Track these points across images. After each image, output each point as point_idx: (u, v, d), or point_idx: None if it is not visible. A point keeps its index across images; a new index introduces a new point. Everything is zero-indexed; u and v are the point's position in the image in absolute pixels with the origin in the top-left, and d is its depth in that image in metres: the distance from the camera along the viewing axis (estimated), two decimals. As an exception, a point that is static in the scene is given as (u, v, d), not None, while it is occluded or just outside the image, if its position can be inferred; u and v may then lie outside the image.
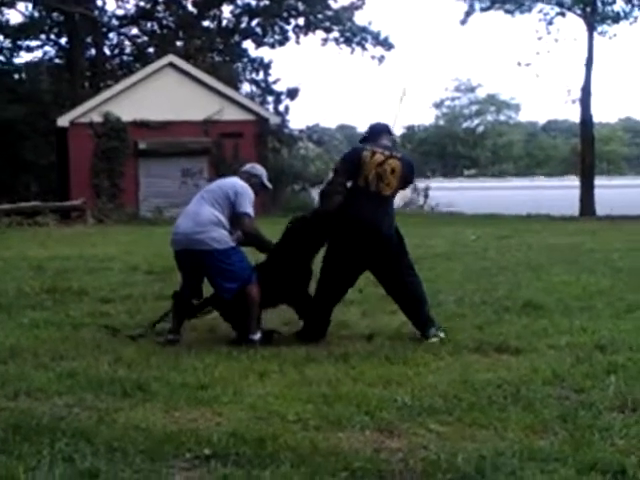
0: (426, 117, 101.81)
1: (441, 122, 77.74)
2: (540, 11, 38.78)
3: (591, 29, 36.75)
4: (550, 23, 38.35)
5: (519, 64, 39.58)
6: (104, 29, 44.11)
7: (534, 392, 6.15)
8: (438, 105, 78.61)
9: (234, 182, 8.37)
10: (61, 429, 5.38)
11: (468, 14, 39.21)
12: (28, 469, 4.71)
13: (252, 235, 8.26)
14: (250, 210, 8.17)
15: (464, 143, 73.89)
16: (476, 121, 77.76)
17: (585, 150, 37.64)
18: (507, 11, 38.82)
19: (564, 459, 4.82)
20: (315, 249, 8.48)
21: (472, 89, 76.73)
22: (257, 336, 8.05)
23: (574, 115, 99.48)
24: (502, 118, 77.68)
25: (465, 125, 76.98)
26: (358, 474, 4.71)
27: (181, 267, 8.45)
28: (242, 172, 8.60)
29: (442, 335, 8.08)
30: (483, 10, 39.17)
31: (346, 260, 8.22)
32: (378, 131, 8.64)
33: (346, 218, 8.13)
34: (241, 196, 8.16)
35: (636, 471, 4.67)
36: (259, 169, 8.74)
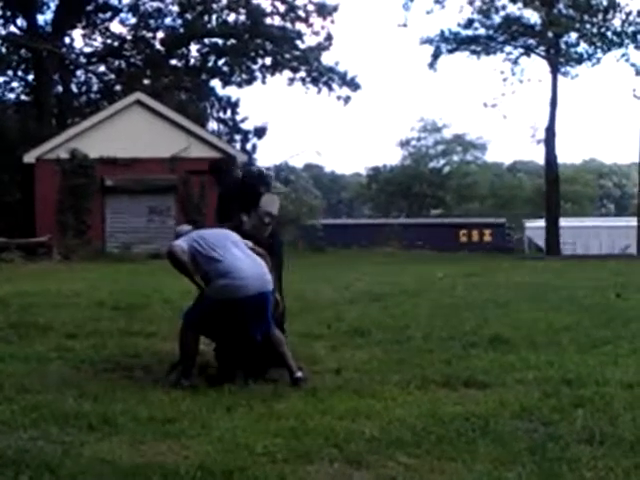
0: (392, 157, 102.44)
1: (407, 162, 77.95)
2: (503, 51, 39.40)
3: (555, 70, 37.31)
4: (515, 63, 38.94)
5: (485, 105, 40.09)
6: (71, 66, 44.14)
7: (502, 425, 6.15)
8: (404, 144, 78.87)
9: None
10: (25, 462, 5.29)
11: (435, 57, 39.73)
12: (-9, 502, 4.64)
13: None
14: None
15: (430, 183, 74.14)
16: (442, 161, 78.13)
17: (550, 190, 38.05)
18: (473, 52, 39.35)
19: (533, 491, 4.82)
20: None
21: (438, 129, 77.11)
22: (300, 373, 7.81)
23: (539, 156, 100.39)
24: (469, 158, 78.15)
25: (431, 165, 77.28)
26: (327, 506, 4.67)
27: (243, 314, 7.75)
28: None
29: None
30: (450, 52, 39.68)
31: None
32: None
33: None
34: None
35: (604, 503, 4.68)
36: None
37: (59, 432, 6.08)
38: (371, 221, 57.85)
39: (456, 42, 39.59)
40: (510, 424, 6.20)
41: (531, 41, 38.83)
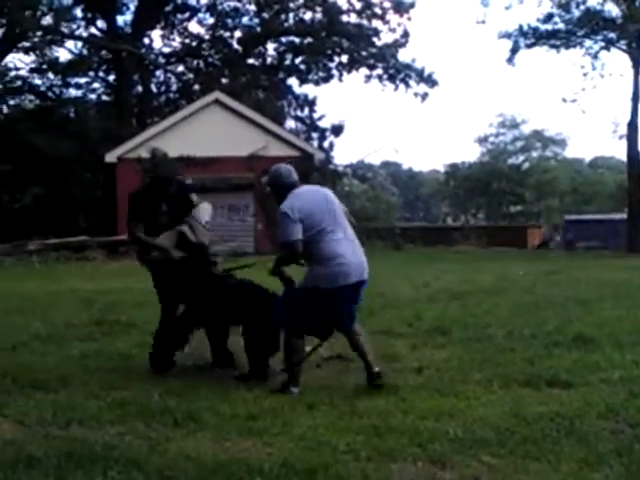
0: (470, 154, 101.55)
1: (485, 158, 77.17)
2: (582, 46, 38.82)
3: (637, 64, 36.60)
4: (595, 57, 38.31)
5: (564, 100, 39.54)
6: (151, 66, 44.74)
7: (588, 426, 6.06)
8: (482, 141, 78.08)
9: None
10: (113, 457, 5.38)
11: (514, 51, 39.32)
12: (82, 496, 4.72)
13: None
14: None
15: (509, 179, 73.29)
16: (521, 157, 77.18)
17: (632, 186, 37.36)
18: (552, 46, 38.83)
19: (621, 493, 4.74)
20: None
21: (516, 125, 76.24)
22: (377, 368, 7.55)
23: (621, 151, 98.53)
24: (548, 154, 77.05)
25: (510, 161, 76.37)
26: (411, 505, 4.66)
27: (341, 302, 7.41)
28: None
29: None
30: (528, 47, 39.24)
31: None
32: None
33: None
34: None
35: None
36: None
37: (145, 428, 6.16)
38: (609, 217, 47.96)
39: (535, 37, 39.12)
40: (596, 424, 6.10)
41: (612, 35, 38.17)
